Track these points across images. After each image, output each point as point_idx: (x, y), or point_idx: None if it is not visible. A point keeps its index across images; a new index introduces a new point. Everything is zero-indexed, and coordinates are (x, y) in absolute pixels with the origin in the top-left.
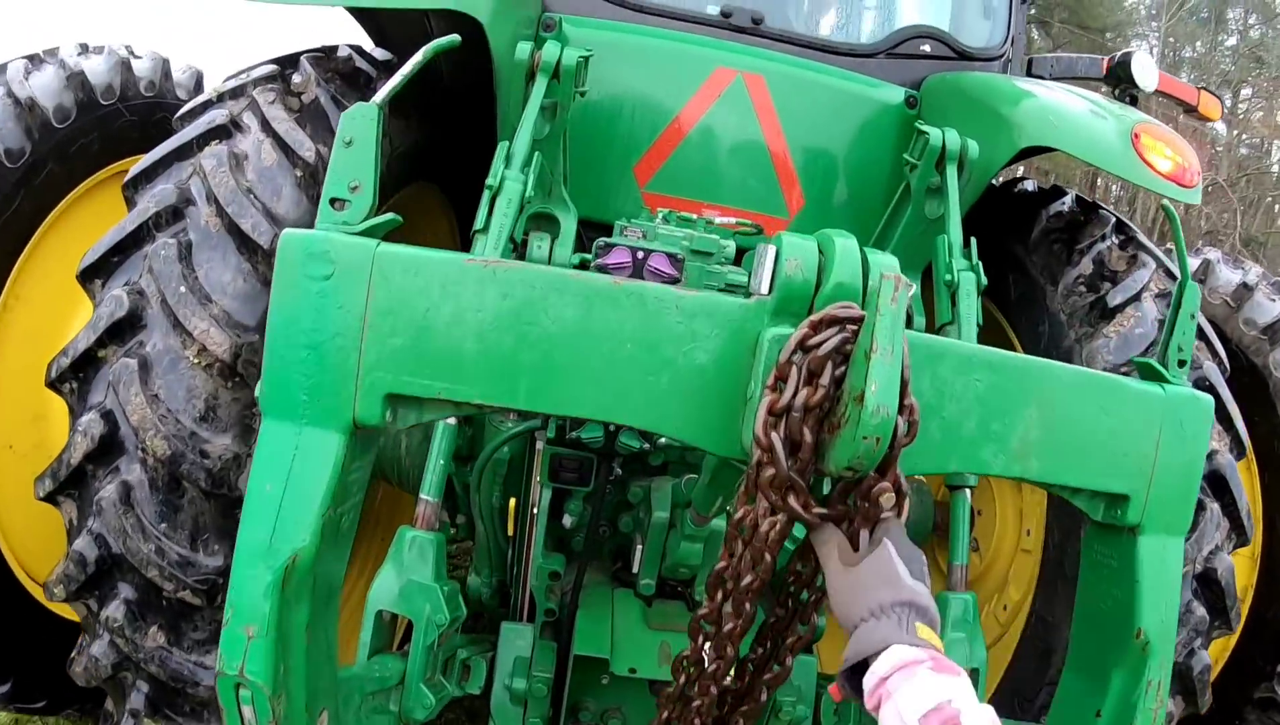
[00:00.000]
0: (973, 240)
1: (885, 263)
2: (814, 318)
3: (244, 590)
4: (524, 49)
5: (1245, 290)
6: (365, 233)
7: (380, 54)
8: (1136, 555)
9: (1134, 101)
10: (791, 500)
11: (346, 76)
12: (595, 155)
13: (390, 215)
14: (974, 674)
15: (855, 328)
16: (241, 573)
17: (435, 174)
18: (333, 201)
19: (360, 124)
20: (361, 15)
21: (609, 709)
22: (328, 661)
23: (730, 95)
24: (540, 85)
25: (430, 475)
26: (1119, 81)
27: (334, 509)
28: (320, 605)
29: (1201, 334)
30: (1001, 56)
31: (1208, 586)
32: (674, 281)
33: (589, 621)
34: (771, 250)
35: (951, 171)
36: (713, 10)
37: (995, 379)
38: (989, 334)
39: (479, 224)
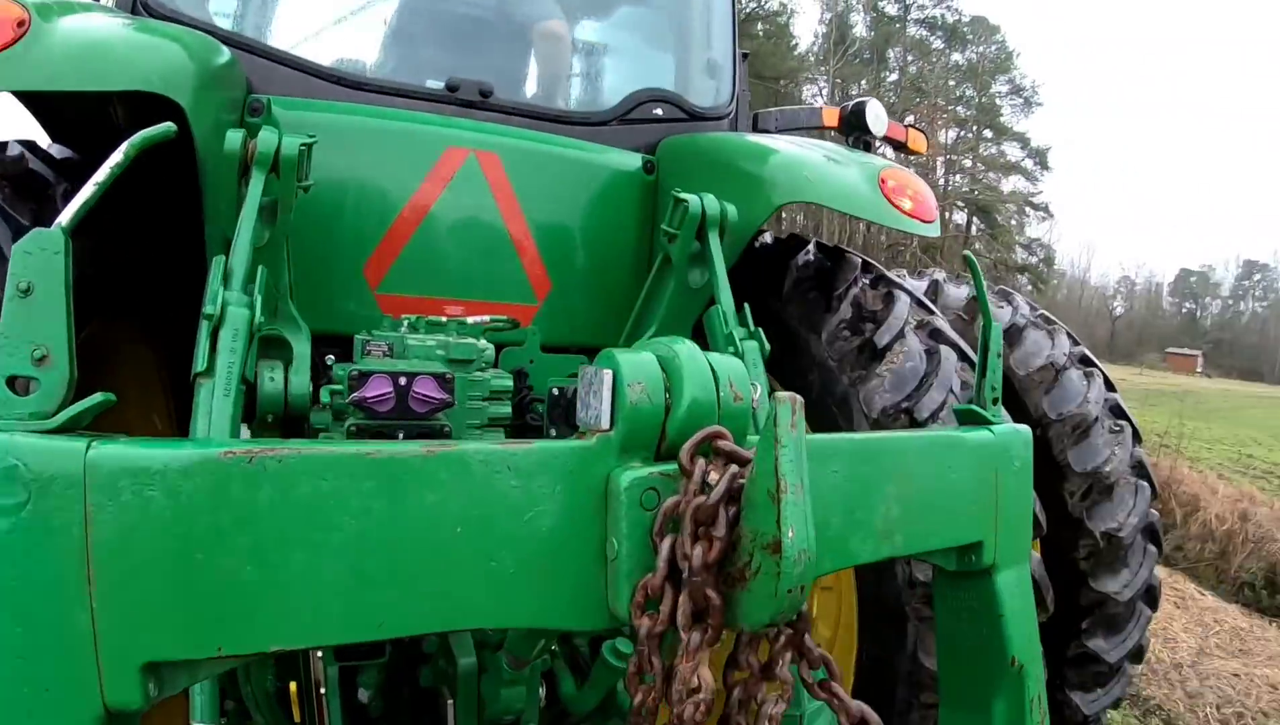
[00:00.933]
0: (745, 306)
1: (732, 368)
2: (687, 451)
3: None
4: (234, 138)
5: (973, 301)
6: (65, 427)
7: (58, 151)
8: (996, 593)
9: (868, 147)
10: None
11: (16, 181)
12: (318, 258)
13: (100, 395)
14: None
15: (736, 463)
16: None
17: (126, 304)
18: (10, 383)
19: (41, 261)
20: (30, 102)
21: None
22: None
23: (464, 176)
24: (257, 181)
25: (198, 699)
26: (852, 129)
27: None
28: None
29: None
30: (730, 114)
31: None
32: (445, 407)
33: None
34: (607, 376)
35: (714, 238)
36: (437, 85)
37: (852, 465)
38: None
39: (199, 365)
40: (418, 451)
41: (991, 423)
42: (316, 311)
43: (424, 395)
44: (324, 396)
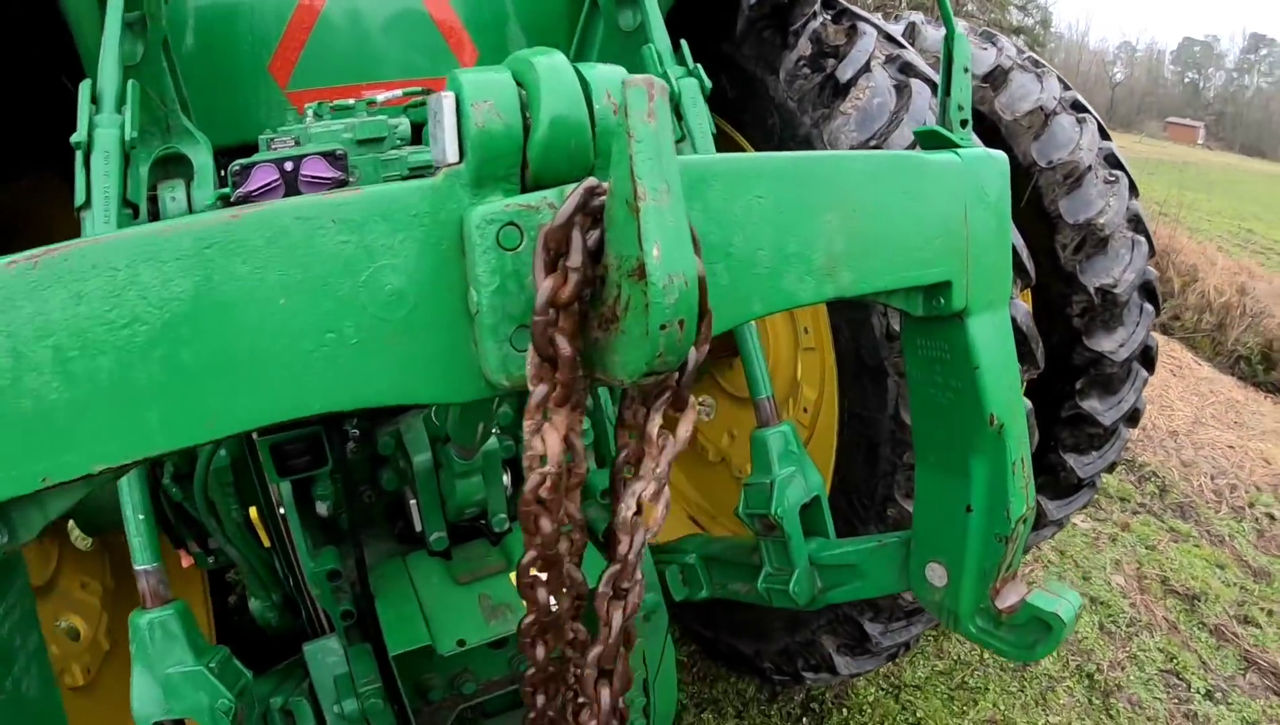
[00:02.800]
0: (683, 43)
1: (610, 77)
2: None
3: None
4: None
5: None
6: None
7: None
8: (970, 341)
9: None
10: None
11: None
12: (218, 67)
13: None
14: (815, 501)
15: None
16: None
17: (47, 157)
18: None
19: None
20: None
21: (455, 675)
22: None
23: None
24: None
25: (135, 538)
26: None
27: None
28: None
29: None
30: None
31: None
32: (340, 185)
33: (393, 610)
34: (448, 100)
35: None
36: None
37: (781, 190)
38: (720, 145)
39: (79, 198)
40: (221, 218)
41: (958, 145)
42: (229, 123)
43: (312, 176)
44: (213, 201)
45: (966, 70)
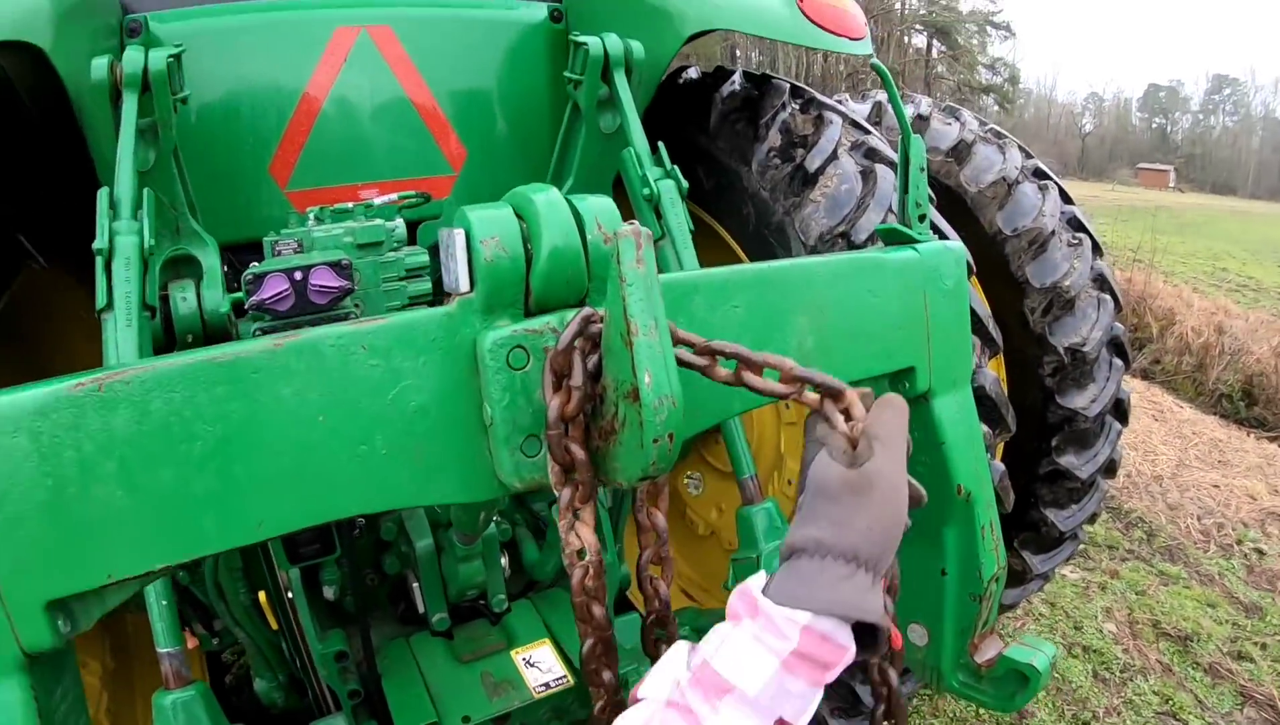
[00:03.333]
0: (660, 145)
1: (600, 208)
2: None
3: None
4: (99, 65)
5: (921, 121)
6: None
7: None
8: (935, 419)
9: None
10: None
11: None
12: (222, 168)
13: None
14: None
15: (589, 309)
16: None
17: (57, 250)
18: None
19: None
20: None
21: None
22: None
23: (357, 56)
24: (130, 103)
25: (159, 624)
26: None
27: None
28: None
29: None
30: None
31: (980, 403)
32: (346, 293)
33: (399, 690)
34: (459, 236)
35: (620, 78)
36: None
37: (755, 298)
38: (699, 236)
39: (100, 301)
40: (265, 346)
41: (917, 241)
42: (232, 222)
43: (321, 286)
44: (227, 307)
45: (923, 170)
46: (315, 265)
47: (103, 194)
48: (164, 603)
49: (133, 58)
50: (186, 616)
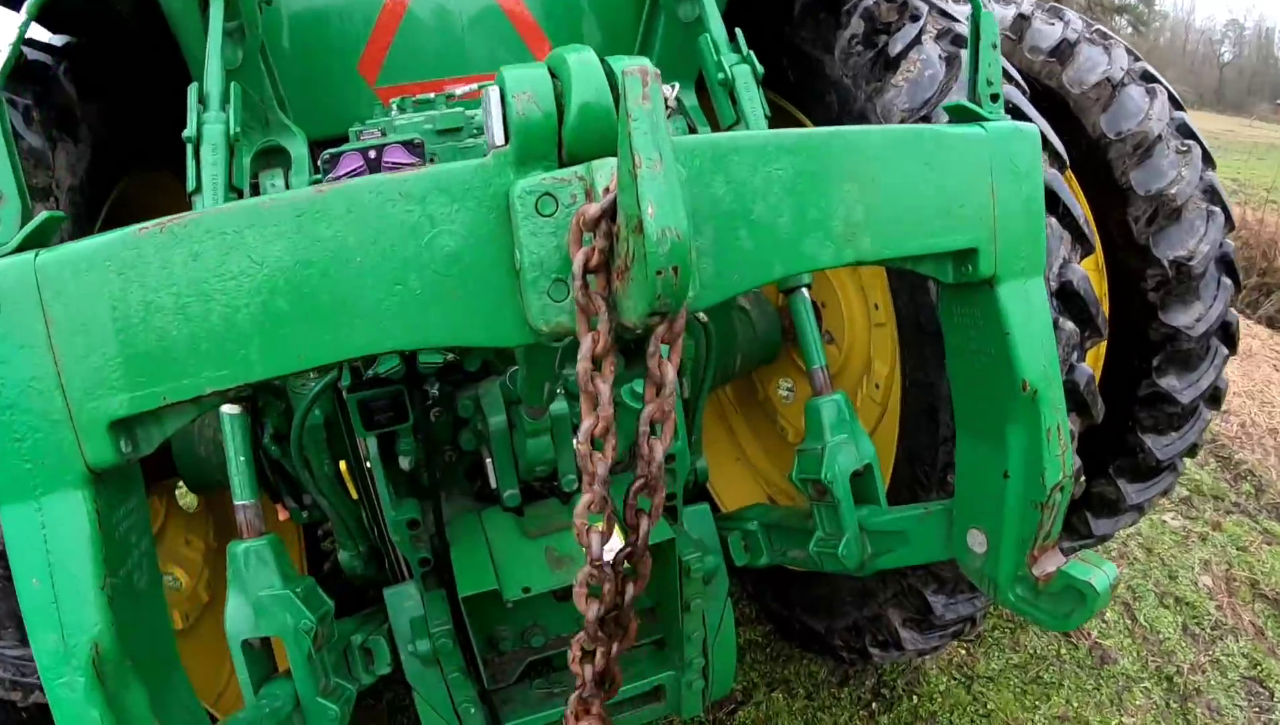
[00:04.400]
0: (738, 31)
1: (627, 63)
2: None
3: (63, 702)
4: None
5: (1023, 20)
6: (22, 247)
7: (60, 39)
8: (1000, 307)
9: None
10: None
11: (16, 71)
12: (312, 67)
13: (48, 212)
14: (867, 469)
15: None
16: (52, 684)
17: (160, 155)
18: None
19: None
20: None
21: (525, 629)
22: None
23: None
24: (217, 7)
25: (236, 477)
26: None
27: (115, 575)
28: (159, 679)
29: None
30: None
31: (1068, 300)
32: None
33: (465, 557)
34: (494, 93)
35: None
36: None
37: (799, 162)
38: (780, 124)
39: (190, 185)
40: (310, 193)
41: (986, 118)
42: (321, 119)
43: (394, 163)
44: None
45: (995, 46)
46: (389, 144)
47: (192, 88)
48: (241, 458)
49: None
50: (279, 490)
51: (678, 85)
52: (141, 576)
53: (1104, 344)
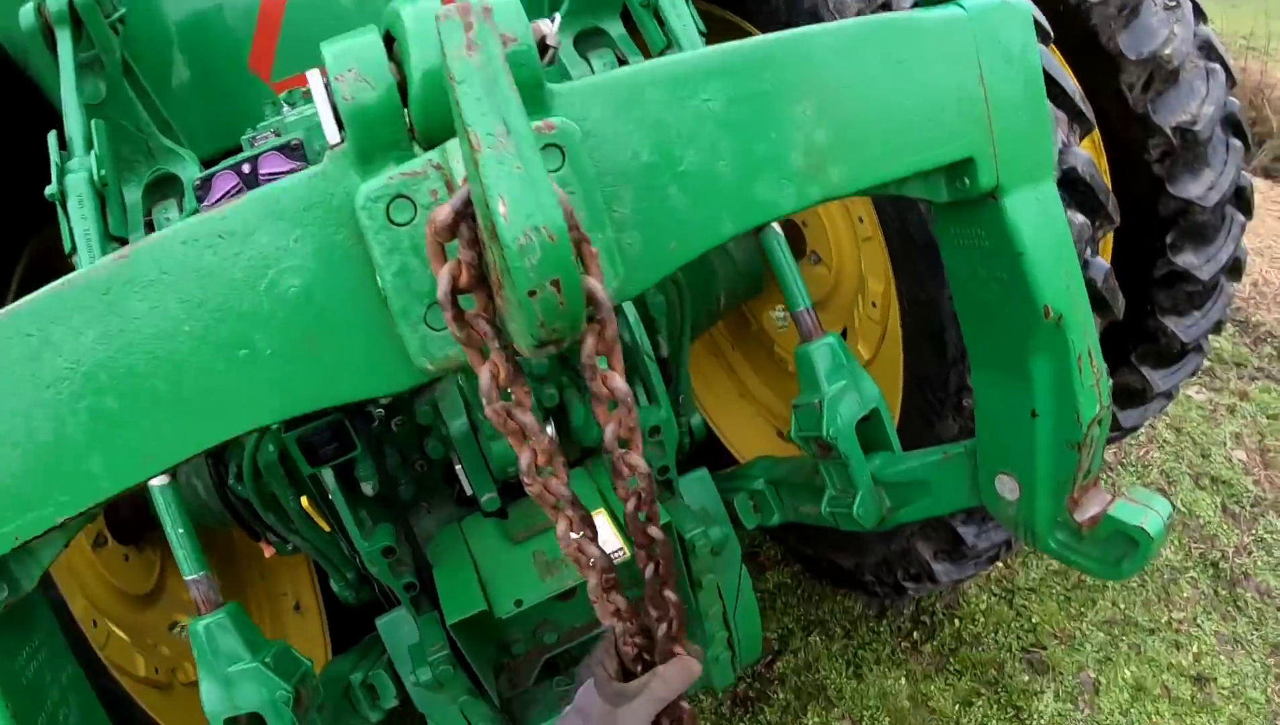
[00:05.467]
0: None
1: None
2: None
3: None
4: (27, 11)
5: None
6: None
7: None
8: (1008, 223)
9: None
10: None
11: None
12: (200, 76)
13: None
14: (873, 414)
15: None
16: None
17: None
18: None
19: None
20: None
21: (536, 627)
22: None
23: None
24: (64, 40)
25: (179, 552)
26: None
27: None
28: None
29: None
30: None
31: (1073, 187)
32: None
33: (449, 578)
34: (316, 76)
35: None
36: None
37: (733, 86)
38: (721, 38)
39: (67, 245)
40: (111, 262)
41: None
42: (222, 130)
43: (270, 174)
44: None
45: None
46: (262, 153)
47: (51, 137)
48: (179, 531)
49: None
50: (257, 528)
51: (558, 17)
52: (69, 711)
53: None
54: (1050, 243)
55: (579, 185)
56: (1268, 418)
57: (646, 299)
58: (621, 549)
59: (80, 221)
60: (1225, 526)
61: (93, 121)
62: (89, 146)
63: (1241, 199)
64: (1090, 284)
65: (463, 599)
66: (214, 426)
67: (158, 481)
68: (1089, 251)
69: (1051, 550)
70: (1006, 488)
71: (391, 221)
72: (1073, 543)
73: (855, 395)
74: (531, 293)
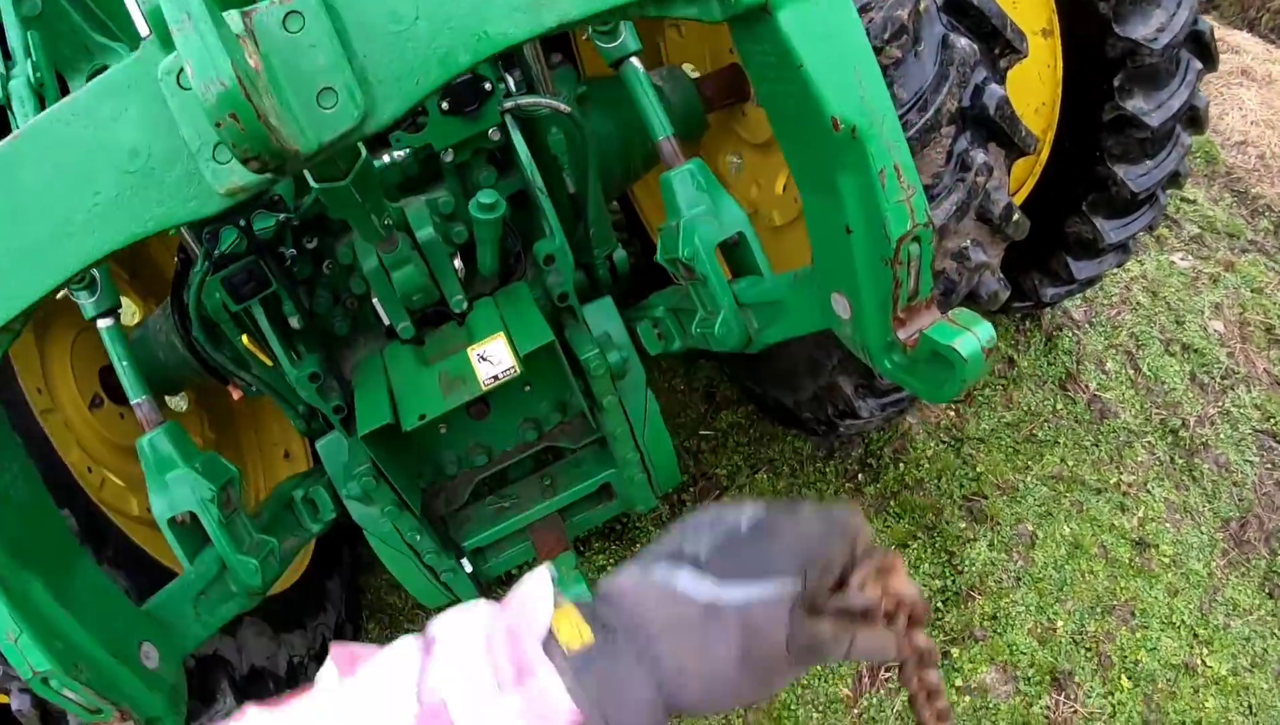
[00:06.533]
0: None
1: None
2: None
3: None
4: None
5: None
6: None
7: None
8: (783, 35)
9: None
10: None
11: None
12: None
13: None
14: (739, 237)
15: None
16: None
17: None
18: None
19: None
20: None
21: (467, 450)
22: (105, 604)
23: None
24: None
25: (124, 379)
26: None
27: None
28: (59, 569)
29: None
30: None
31: (961, 12)
32: None
33: (365, 397)
34: None
35: None
36: None
37: None
38: None
39: None
40: (9, 140)
41: None
42: None
43: None
44: None
45: None
46: None
47: None
48: (124, 364)
49: None
50: (222, 371)
51: None
52: (14, 479)
53: (1060, 66)
54: (835, 54)
55: (319, 40)
56: (1252, 291)
57: (544, 140)
58: (514, 366)
59: (23, 120)
60: (1191, 395)
61: (29, 32)
62: (28, 55)
63: (1200, 44)
64: (982, 111)
65: (373, 414)
66: (77, 256)
67: (102, 323)
68: (983, 77)
69: (886, 371)
70: (841, 307)
71: (180, 87)
72: (904, 363)
73: (714, 219)
74: (218, 124)
